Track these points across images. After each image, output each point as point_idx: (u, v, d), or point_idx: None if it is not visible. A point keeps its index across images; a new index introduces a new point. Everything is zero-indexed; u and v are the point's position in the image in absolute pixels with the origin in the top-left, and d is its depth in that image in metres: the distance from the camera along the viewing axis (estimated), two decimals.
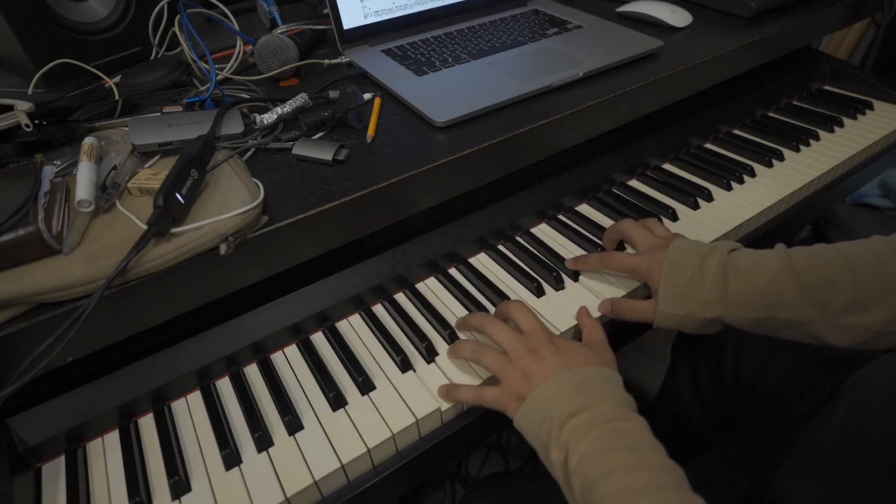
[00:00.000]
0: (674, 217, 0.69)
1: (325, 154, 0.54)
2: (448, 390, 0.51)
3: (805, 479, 0.46)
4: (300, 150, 0.55)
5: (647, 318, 0.55)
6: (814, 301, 0.48)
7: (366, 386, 0.52)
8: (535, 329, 0.50)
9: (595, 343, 0.52)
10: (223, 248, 0.44)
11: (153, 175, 0.49)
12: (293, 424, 0.49)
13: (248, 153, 0.57)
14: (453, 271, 0.64)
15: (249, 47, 0.72)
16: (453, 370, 0.53)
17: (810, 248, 0.51)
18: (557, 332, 0.56)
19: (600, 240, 0.66)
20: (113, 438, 0.50)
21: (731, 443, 0.65)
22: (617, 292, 0.59)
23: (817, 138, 0.84)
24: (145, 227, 0.42)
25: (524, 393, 0.46)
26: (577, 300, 0.59)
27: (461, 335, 0.56)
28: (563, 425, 0.43)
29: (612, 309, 0.57)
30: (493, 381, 0.51)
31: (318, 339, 0.57)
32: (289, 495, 0.45)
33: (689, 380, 0.76)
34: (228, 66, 0.70)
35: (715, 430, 0.73)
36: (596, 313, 0.58)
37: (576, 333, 0.57)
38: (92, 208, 0.45)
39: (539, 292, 0.60)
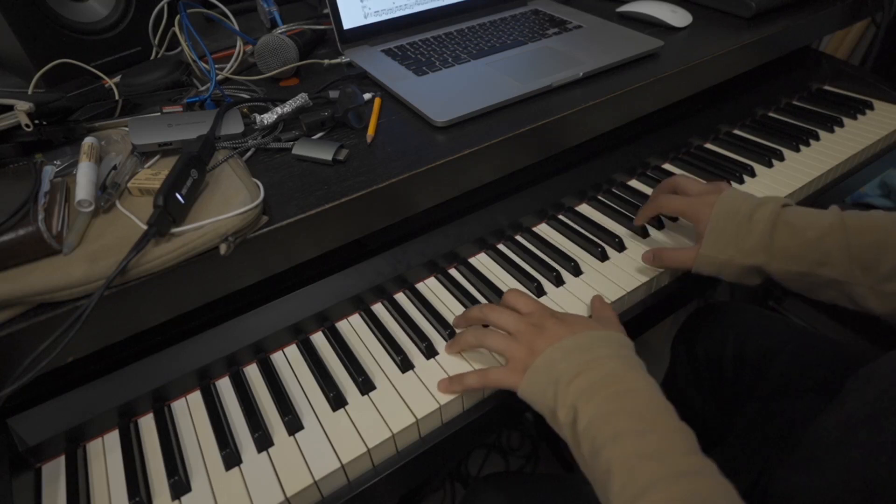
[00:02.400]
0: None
1: (325, 154, 0.54)
2: (452, 380, 0.50)
3: (809, 473, 0.46)
4: (300, 150, 0.55)
5: (687, 264, 0.55)
6: (860, 262, 0.48)
7: (366, 386, 0.52)
8: (535, 308, 0.50)
9: (603, 317, 0.52)
10: (223, 248, 0.44)
11: (153, 175, 0.49)
12: (293, 424, 0.49)
13: (248, 153, 0.57)
14: (453, 271, 0.64)
15: (249, 47, 0.72)
16: (453, 370, 0.53)
17: (865, 212, 0.51)
18: None
19: (600, 240, 0.66)
20: (113, 438, 0.50)
21: (732, 441, 0.65)
22: (617, 291, 0.59)
23: (817, 138, 0.84)
24: (145, 227, 0.42)
25: (529, 363, 0.46)
26: (577, 300, 0.59)
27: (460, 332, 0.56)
28: (568, 385, 0.42)
29: (655, 257, 0.59)
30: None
31: (318, 339, 0.57)
32: (289, 495, 0.45)
33: (689, 378, 0.76)
34: (228, 66, 0.70)
35: (715, 428, 0.73)
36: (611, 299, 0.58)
37: None
38: (92, 208, 0.45)
39: (539, 292, 0.60)
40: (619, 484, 0.37)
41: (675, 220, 0.69)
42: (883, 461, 0.40)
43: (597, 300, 0.57)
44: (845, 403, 0.46)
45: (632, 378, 0.42)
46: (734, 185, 0.74)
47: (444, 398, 0.51)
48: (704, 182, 0.60)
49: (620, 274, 0.62)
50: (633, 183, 0.77)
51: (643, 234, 0.67)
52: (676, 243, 0.65)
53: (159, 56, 0.76)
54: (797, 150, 0.81)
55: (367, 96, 0.64)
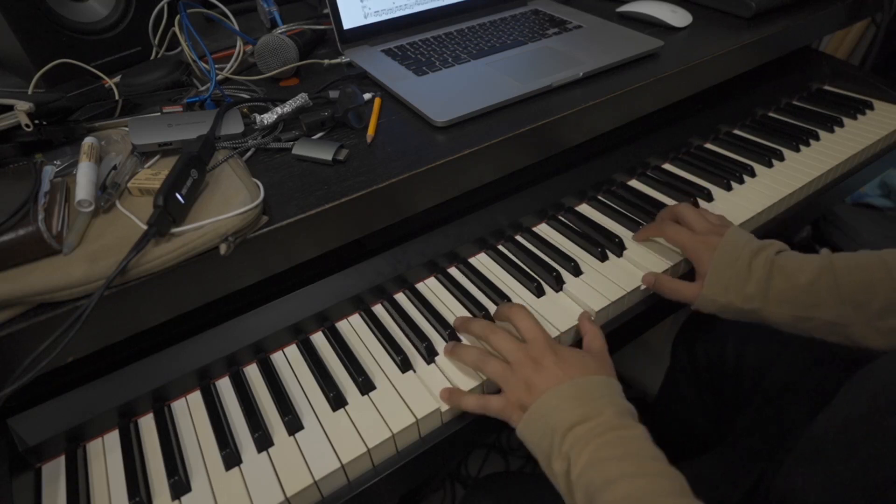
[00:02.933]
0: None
1: (325, 154, 0.54)
2: (452, 397, 0.51)
3: (808, 474, 0.46)
4: (300, 150, 0.55)
5: (688, 300, 0.58)
6: (851, 302, 0.50)
7: (366, 386, 0.52)
8: (536, 337, 0.51)
9: (595, 350, 0.53)
10: (223, 249, 0.44)
11: (153, 175, 0.49)
12: (293, 424, 0.49)
13: (248, 153, 0.57)
14: (453, 271, 0.64)
15: (249, 47, 0.72)
16: (453, 370, 0.53)
17: (853, 253, 0.53)
18: (557, 333, 0.55)
19: (600, 240, 0.65)
20: (113, 438, 0.50)
21: (732, 442, 0.65)
22: (617, 291, 0.59)
23: (817, 138, 0.84)
24: (145, 227, 0.42)
25: (526, 402, 0.47)
26: (577, 300, 0.59)
27: (461, 337, 0.56)
28: (564, 436, 0.43)
29: (656, 284, 0.60)
30: (492, 383, 0.51)
31: (318, 339, 0.57)
32: (289, 495, 0.45)
33: (689, 379, 0.76)
34: (228, 66, 0.70)
35: (716, 429, 0.73)
36: (598, 307, 0.58)
37: (576, 334, 0.57)
38: (92, 208, 0.45)
39: (539, 292, 0.60)
40: None
41: None
42: (879, 460, 0.40)
43: (585, 322, 0.56)
44: (842, 404, 0.46)
45: (624, 426, 0.43)
46: (734, 185, 0.74)
47: None
48: (708, 218, 0.61)
49: (620, 274, 0.62)
50: (633, 183, 0.77)
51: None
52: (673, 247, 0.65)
53: (159, 56, 0.76)
54: (797, 150, 0.81)
55: (367, 96, 0.64)
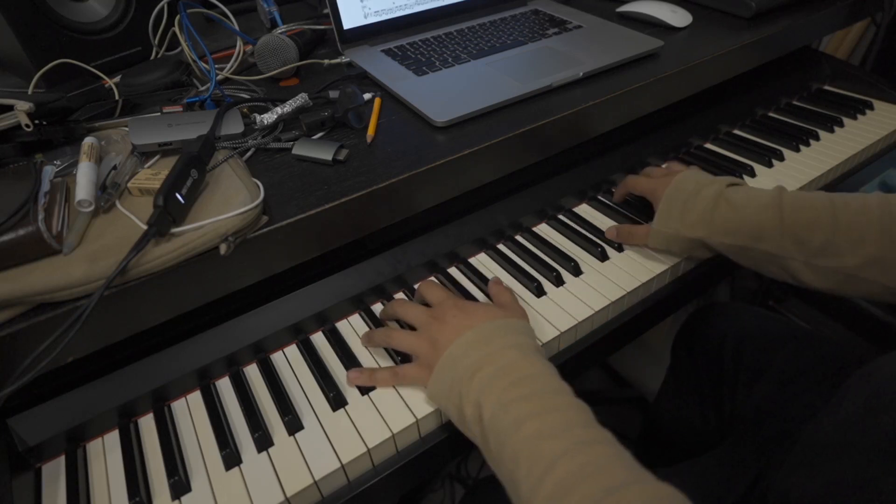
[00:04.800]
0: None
1: (325, 154, 0.54)
2: (362, 377, 0.51)
3: (807, 474, 0.46)
4: (300, 150, 0.55)
5: (643, 240, 0.61)
6: (792, 238, 0.52)
7: (366, 386, 0.52)
8: (442, 299, 0.52)
9: (504, 302, 0.54)
10: (223, 249, 0.44)
11: (153, 175, 0.49)
12: (293, 424, 0.49)
13: (248, 153, 0.57)
14: (453, 271, 0.64)
15: (249, 47, 0.72)
16: None
17: (805, 192, 0.55)
18: (557, 333, 0.55)
19: (600, 239, 0.66)
20: (113, 438, 0.50)
21: (732, 441, 0.65)
22: (617, 291, 0.59)
23: (817, 138, 0.84)
24: (145, 227, 0.42)
25: (433, 362, 0.47)
26: (578, 299, 0.59)
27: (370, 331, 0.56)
28: (470, 381, 0.43)
29: (617, 234, 0.64)
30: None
31: (318, 339, 0.57)
32: (289, 495, 0.45)
33: (689, 379, 0.76)
34: (228, 66, 0.70)
35: (715, 428, 0.73)
36: (597, 306, 0.58)
37: (577, 333, 0.57)
38: (92, 208, 0.45)
39: (539, 292, 0.60)
40: (526, 467, 0.38)
41: None
42: (878, 459, 0.40)
43: (494, 283, 0.57)
44: (842, 403, 0.46)
45: (528, 364, 0.43)
46: None
47: None
48: (670, 167, 0.67)
49: (620, 274, 0.62)
50: None
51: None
52: None
53: (159, 56, 0.76)
54: (797, 150, 0.81)
55: (367, 96, 0.64)
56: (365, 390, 0.52)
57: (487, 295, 0.60)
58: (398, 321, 0.57)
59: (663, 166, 0.79)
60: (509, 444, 0.39)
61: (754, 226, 0.53)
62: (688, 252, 0.59)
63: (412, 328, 0.53)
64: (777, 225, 0.52)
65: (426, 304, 0.54)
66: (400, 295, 0.62)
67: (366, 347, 0.55)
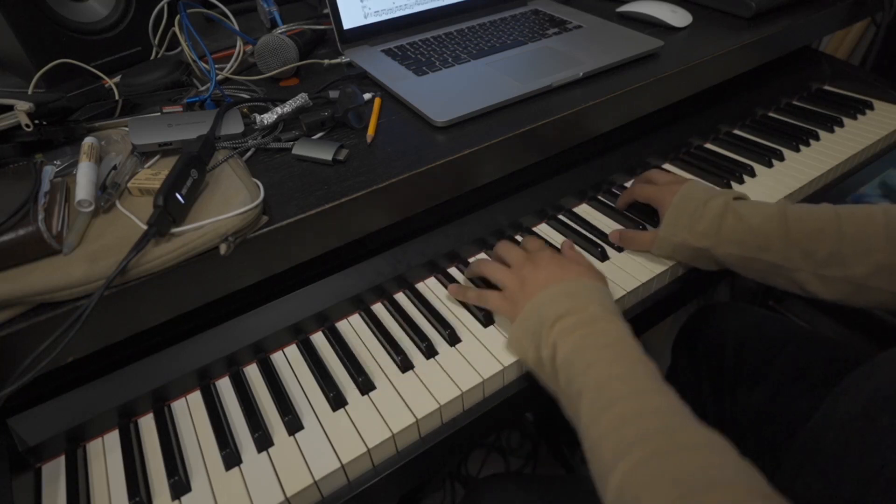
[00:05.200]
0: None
1: (325, 154, 0.54)
2: (459, 288, 0.58)
3: (806, 474, 0.46)
4: (300, 150, 0.55)
5: (648, 246, 0.61)
6: (798, 249, 0.52)
7: (366, 386, 0.52)
8: (539, 246, 0.57)
9: (583, 264, 0.57)
10: (223, 248, 0.44)
11: (153, 175, 0.49)
12: (293, 424, 0.49)
13: (248, 153, 0.57)
14: (453, 271, 0.64)
15: (249, 47, 0.72)
16: (454, 370, 0.53)
17: (809, 204, 0.55)
18: None
19: (600, 239, 0.66)
20: (113, 438, 0.50)
21: (732, 441, 0.65)
22: (618, 291, 0.59)
23: (817, 138, 0.84)
24: (145, 227, 0.42)
25: (519, 300, 0.52)
26: None
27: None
28: (552, 326, 0.47)
29: (620, 238, 0.64)
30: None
31: (318, 339, 0.57)
32: (289, 495, 0.45)
33: (688, 379, 0.76)
34: (228, 66, 0.70)
35: (715, 429, 0.73)
36: None
37: None
38: (92, 208, 0.45)
39: None
40: (589, 401, 0.42)
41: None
42: (877, 458, 0.40)
43: (568, 248, 0.61)
44: (839, 403, 0.46)
45: (607, 319, 0.47)
46: (734, 185, 0.75)
47: (444, 398, 0.51)
48: (671, 174, 0.67)
49: (620, 274, 0.62)
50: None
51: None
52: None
53: (159, 56, 0.76)
54: (797, 150, 0.81)
55: (367, 96, 0.64)
56: (364, 390, 0.52)
57: None
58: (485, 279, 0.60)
59: (664, 166, 0.79)
60: (577, 383, 0.43)
61: (760, 236, 0.54)
62: (691, 261, 0.60)
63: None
64: (783, 235, 0.53)
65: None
66: (400, 295, 0.62)
67: (452, 295, 0.59)
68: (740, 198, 0.58)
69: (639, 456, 0.37)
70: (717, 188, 0.60)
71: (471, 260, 0.65)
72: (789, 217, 0.54)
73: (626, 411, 0.40)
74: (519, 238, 0.68)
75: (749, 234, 0.54)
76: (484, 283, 0.60)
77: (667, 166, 0.80)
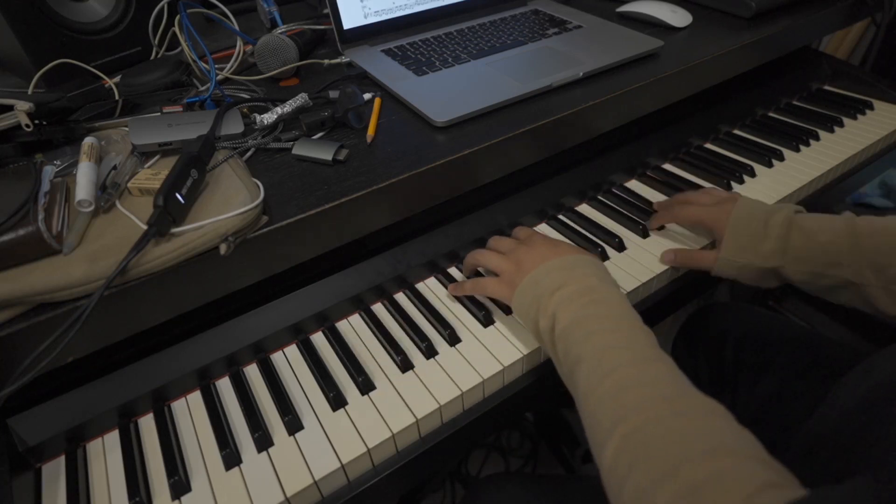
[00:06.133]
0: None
1: (325, 154, 0.54)
2: (456, 286, 0.59)
3: (806, 470, 0.46)
4: (300, 150, 0.55)
5: (707, 266, 0.60)
6: (870, 263, 0.51)
7: (366, 386, 0.52)
8: (529, 233, 0.58)
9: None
10: (223, 248, 0.44)
11: (153, 175, 0.49)
12: (293, 424, 0.49)
13: (248, 153, 0.57)
14: (453, 271, 0.64)
15: (249, 47, 0.72)
16: (454, 370, 0.53)
17: (877, 217, 0.54)
18: None
19: (600, 240, 0.66)
20: (113, 438, 0.50)
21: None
22: (629, 284, 0.59)
23: (817, 138, 0.84)
24: (145, 227, 0.42)
25: (517, 280, 0.52)
26: None
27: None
28: (550, 297, 0.47)
29: (676, 258, 0.62)
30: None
31: (318, 339, 0.57)
32: (289, 495, 0.45)
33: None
34: (228, 66, 0.70)
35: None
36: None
37: None
38: (92, 208, 0.45)
39: None
40: (587, 370, 0.42)
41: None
42: (877, 453, 0.40)
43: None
44: (840, 398, 0.46)
45: (605, 290, 0.47)
46: (734, 185, 0.75)
47: (444, 398, 0.51)
48: (715, 192, 0.63)
49: (620, 274, 0.62)
50: (633, 183, 0.77)
51: (643, 234, 0.67)
52: (677, 243, 0.65)
53: (159, 56, 0.76)
54: (797, 150, 0.81)
55: (367, 96, 0.64)
56: (364, 390, 0.52)
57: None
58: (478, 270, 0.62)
59: (665, 166, 0.79)
60: (575, 351, 0.43)
61: (830, 252, 0.52)
62: (756, 281, 0.57)
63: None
64: (853, 251, 0.51)
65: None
66: (400, 295, 0.62)
67: (451, 293, 0.60)
68: (799, 211, 0.56)
69: (636, 422, 0.37)
70: (770, 204, 0.58)
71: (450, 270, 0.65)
72: (859, 231, 0.52)
73: (625, 378, 0.40)
74: None
75: (819, 251, 0.53)
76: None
77: (667, 166, 0.80)
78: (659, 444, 0.35)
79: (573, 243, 0.66)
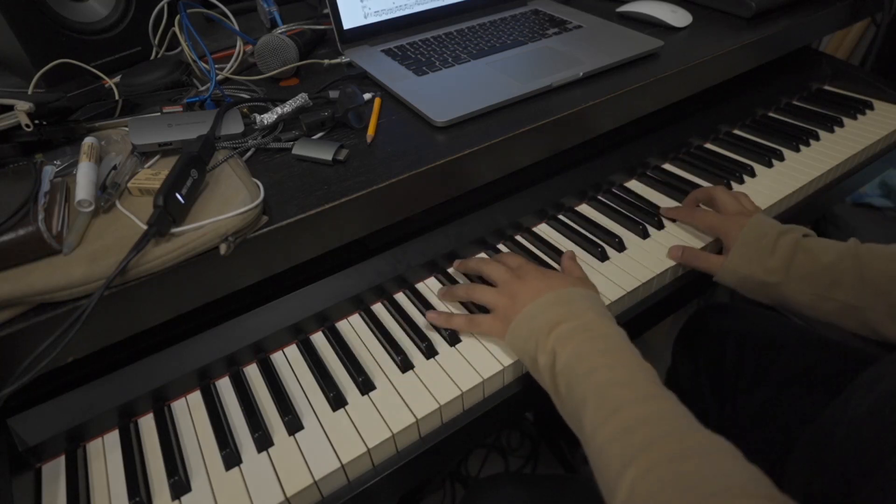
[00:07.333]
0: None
1: (325, 154, 0.54)
2: (441, 316, 0.56)
3: (811, 474, 0.46)
4: (300, 150, 0.55)
5: (711, 270, 0.61)
6: (873, 288, 0.51)
7: (366, 386, 0.52)
8: (522, 263, 0.56)
9: (576, 277, 0.56)
10: (223, 248, 0.44)
11: (153, 175, 0.49)
12: (293, 424, 0.49)
13: (248, 153, 0.57)
14: (453, 271, 0.64)
15: (249, 47, 0.72)
16: (454, 370, 0.53)
17: (881, 245, 0.54)
18: None
19: (600, 240, 0.66)
20: (113, 438, 0.50)
21: (733, 442, 0.65)
22: (618, 291, 0.59)
23: (817, 138, 0.84)
24: (145, 227, 0.42)
25: (511, 315, 0.51)
26: None
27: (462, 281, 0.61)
28: (549, 333, 0.47)
29: (683, 255, 0.63)
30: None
31: (318, 339, 0.57)
32: (289, 495, 0.45)
33: (688, 379, 0.76)
34: (228, 66, 0.70)
35: (715, 430, 0.73)
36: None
37: None
38: (92, 208, 0.45)
39: None
40: (593, 409, 0.41)
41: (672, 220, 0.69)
42: (886, 458, 0.40)
43: (568, 258, 0.61)
44: (851, 401, 0.46)
45: (605, 325, 0.47)
46: (734, 185, 0.75)
47: (444, 398, 0.51)
48: (740, 200, 0.65)
49: (620, 274, 0.62)
50: (633, 183, 0.77)
51: (643, 234, 0.67)
52: (678, 243, 0.65)
53: (159, 56, 0.76)
54: (797, 150, 0.81)
55: (367, 96, 0.64)
56: (364, 390, 0.52)
57: None
58: (472, 279, 0.62)
59: (664, 166, 0.79)
60: (579, 389, 0.43)
61: (833, 273, 0.53)
62: (753, 294, 0.59)
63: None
64: (856, 274, 0.52)
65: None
66: (400, 295, 0.62)
67: (442, 301, 0.60)
68: (808, 234, 0.58)
69: (647, 462, 0.36)
70: (783, 224, 0.59)
71: (450, 270, 0.65)
72: (862, 255, 0.53)
73: (632, 417, 0.40)
74: (519, 238, 0.68)
75: (821, 272, 0.53)
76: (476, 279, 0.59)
77: (667, 166, 0.80)
78: (671, 486, 0.35)
79: (574, 243, 0.66)
